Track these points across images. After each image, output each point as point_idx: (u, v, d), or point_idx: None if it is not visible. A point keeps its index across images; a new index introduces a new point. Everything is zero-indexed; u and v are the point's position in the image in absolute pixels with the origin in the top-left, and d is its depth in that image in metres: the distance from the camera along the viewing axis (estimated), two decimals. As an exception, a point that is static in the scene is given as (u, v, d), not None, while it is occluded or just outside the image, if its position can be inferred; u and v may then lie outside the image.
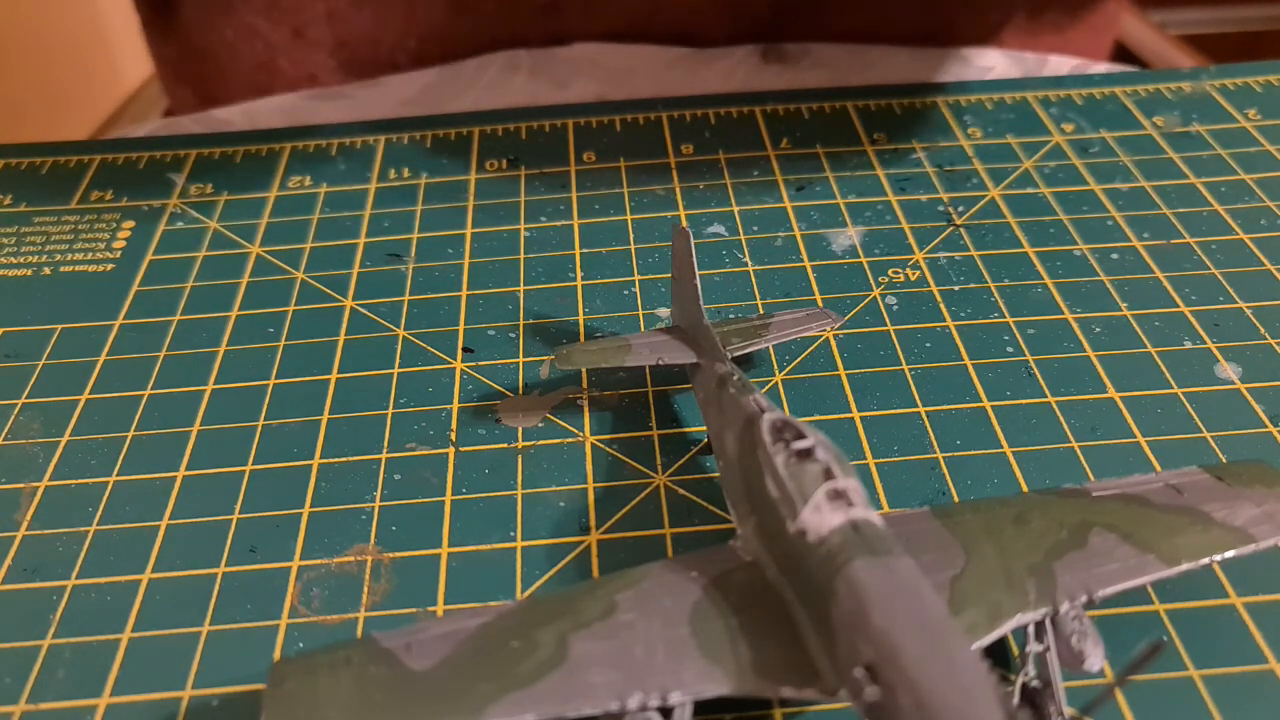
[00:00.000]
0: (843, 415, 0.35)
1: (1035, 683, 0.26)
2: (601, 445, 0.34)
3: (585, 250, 0.43)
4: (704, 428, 0.34)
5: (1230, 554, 0.27)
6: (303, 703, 0.23)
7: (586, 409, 0.36)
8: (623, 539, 0.31)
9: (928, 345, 0.38)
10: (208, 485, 0.34)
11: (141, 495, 0.33)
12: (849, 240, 0.42)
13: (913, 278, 0.40)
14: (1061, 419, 0.35)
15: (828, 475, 0.25)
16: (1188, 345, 0.37)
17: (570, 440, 0.35)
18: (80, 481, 0.34)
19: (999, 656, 0.28)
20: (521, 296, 0.40)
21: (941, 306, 0.39)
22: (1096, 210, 0.43)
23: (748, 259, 0.42)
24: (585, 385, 0.37)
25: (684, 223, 0.43)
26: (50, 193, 0.47)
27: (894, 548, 0.24)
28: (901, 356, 0.37)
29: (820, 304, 0.39)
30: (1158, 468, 0.33)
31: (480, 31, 0.59)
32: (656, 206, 0.45)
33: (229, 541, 0.32)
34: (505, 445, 0.35)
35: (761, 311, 0.39)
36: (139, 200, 0.46)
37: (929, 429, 0.34)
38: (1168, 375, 0.36)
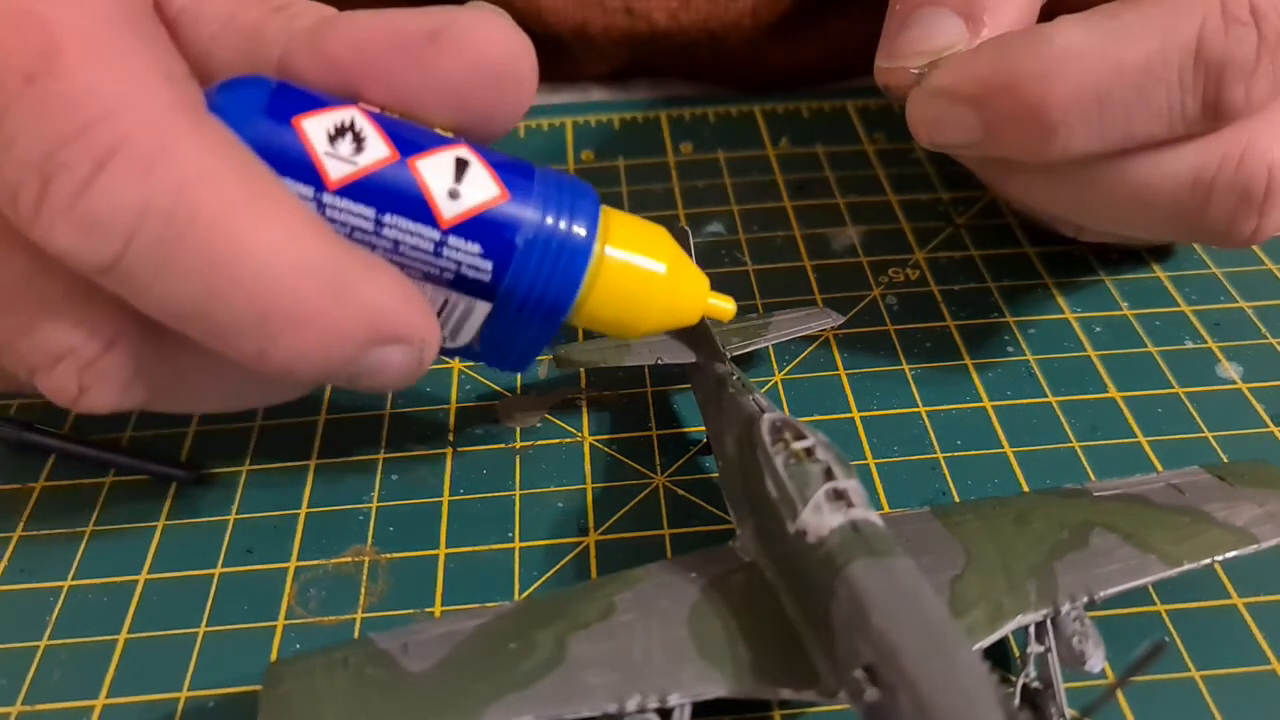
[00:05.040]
0: (843, 415, 0.35)
1: (1036, 684, 0.26)
2: (600, 445, 0.34)
3: (584, 250, 0.42)
4: (703, 428, 0.34)
5: (1232, 554, 0.27)
6: (299, 704, 0.23)
7: (585, 409, 0.36)
8: (622, 540, 0.31)
9: (928, 345, 0.37)
10: (205, 485, 0.33)
11: (138, 496, 0.33)
12: (849, 240, 0.42)
13: (913, 278, 0.40)
14: (1062, 419, 0.34)
15: (828, 475, 0.25)
16: (1188, 345, 0.37)
17: (569, 440, 0.35)
18: (77, 482, 0.34)
19: (1000, 657, 0.28)
20: (520, 296, 0.40)
21: (941, 306, 0.39)
22: (1097, 210, 0.43)
23: (748, 259, 0.42)
24: (584, 385, 0.36)
25: (684, 223, 0.43)
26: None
27: (894, 548, 0.24)
28: (901, 356, 0.37)
29: (820, 304, 0.39)
30: (1159, 468, 0.33)
31: None
32: (656, 206, 0.44)
33: (226, 542, 0.32)
34: (503, 446, 0.34)
35: (761, 311, 0.39)
36: (137, 200, 0.46)
37: (929, 429, 0.34)
38: (1168, 375, 0.36)
